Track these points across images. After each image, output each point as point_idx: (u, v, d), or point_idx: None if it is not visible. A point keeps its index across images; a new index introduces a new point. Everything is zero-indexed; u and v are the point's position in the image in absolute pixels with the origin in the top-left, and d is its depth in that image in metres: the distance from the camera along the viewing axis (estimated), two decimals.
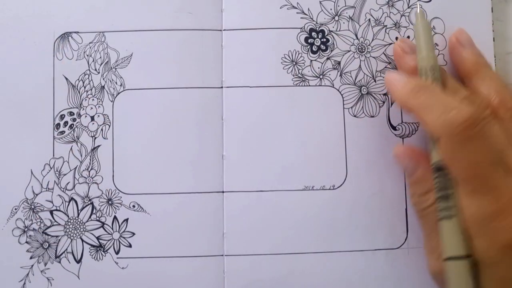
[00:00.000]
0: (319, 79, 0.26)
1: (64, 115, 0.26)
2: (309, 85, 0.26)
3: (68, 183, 0.26)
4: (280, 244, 0.25)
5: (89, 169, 0.26)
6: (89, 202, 0.26)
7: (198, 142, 0.26)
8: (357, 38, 0.26)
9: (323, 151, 0.26)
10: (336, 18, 0.27)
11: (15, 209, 0.26)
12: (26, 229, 0.26)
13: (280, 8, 0.27)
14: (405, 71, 0.24)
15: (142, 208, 0.26)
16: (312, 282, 0.25)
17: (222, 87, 0.26)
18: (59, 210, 0.26)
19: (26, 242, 0.26)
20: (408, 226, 0.25)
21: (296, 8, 0.27)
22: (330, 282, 0.25)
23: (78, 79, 0.26)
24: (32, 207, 0.26)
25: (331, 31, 0.27)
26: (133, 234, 0.26)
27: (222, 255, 0.25)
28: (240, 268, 0.25)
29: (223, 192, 0.26)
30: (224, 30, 0.26)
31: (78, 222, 0.26)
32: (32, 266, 0.25)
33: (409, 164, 0.23)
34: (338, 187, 0.25)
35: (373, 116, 0.26)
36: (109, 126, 0.26)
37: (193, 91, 0.26)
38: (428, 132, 0.22)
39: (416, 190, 0.23)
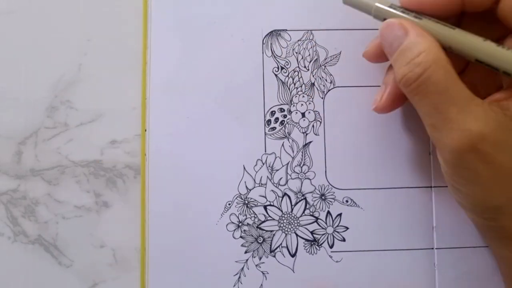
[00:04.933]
0: None
1: (275, 111, 0.27)
2: None
3: (280, 178, 0.27)
4: None
5: (301, 165, 0.27)
6: (302, 197, 0.27)
7: (406, 139, 0.27)
8: None
9: None
10: None
11: (229, 204, 0.27)
12: (240, 224, 0.27)
13: None
14: None
15: (355, 203, 0.27)
16: None
17: None
18: (273, 205, 0.27)
19: (241, 236, 0.27)
20: None
21: None
22: None
23: (288, 76, 0.27)
24: (246, 202, 0.27)
25: None
26: (347, 228, 0.27)
27: (433, 248, 0.27)
28: (450, 261, 0.27)
29: (431, 187, 0.27)
30: None
31: (292, 217, 0.27)
32: (247, 260, 0.26)
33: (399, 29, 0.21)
34: None
35: None
36: (320, 122, 0.27)
37: None
38: None
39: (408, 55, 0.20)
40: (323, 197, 0.27)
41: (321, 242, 0.27)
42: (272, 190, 0.27)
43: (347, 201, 0.27)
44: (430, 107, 0.20)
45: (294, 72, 0.28)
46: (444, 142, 0.20)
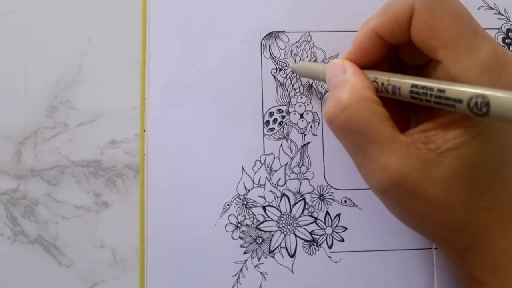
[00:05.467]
0: None
1: (273, 112, 0.27)
2: None
3: (279, 179, 0.27)
4: None
5: (299, 165, 0.27)
6: (301, 198, 0.27)
7: None
8: None
9: None
10: None
11: (228, 204, 0.27)
12: (239, 225, 0.27)
13: (478, 9, 0.28)
14: None
15: (353, 203, 0.27)
16: None
17: None
18: (272, 206, 0.27)
19: (240, 237, 0.27)
20: None
21: (493, 9, 0.28)
22: None
23: (286, 77, 0.27)
24: (245, 202, 0.27)
25: None
26: (346, 228, 0.27)
27: (431, 248, 0.27)
28: (449, 261, 0.27)
29: None
30: None
31: (291, 218, 0.27)
32: (245, 261, 0.27)
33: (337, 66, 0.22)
34: None
35: None
36: (319, 123, 0.27)
37: None
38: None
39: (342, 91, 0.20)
40: (321, 198, 0.27)
41: (320, 243, 0.27)
42: (271, 191, 0.27)
43: (345, 201, 0.27)
44: (353, 146, 0.21)
45: (293, 73, 0.28)
46: (369, 180, 0.21)
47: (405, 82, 0.19)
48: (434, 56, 0.19)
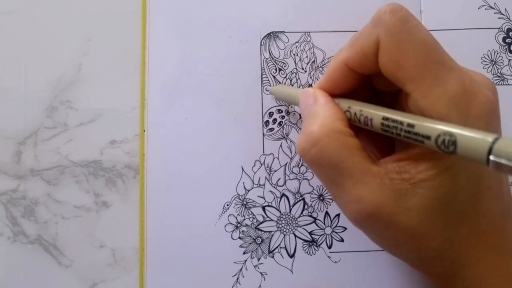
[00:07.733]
0: None
1: (273, 112, 0.27)
2: (508, 84, 0.28)
3: (279, 179, 0.27)
4: None
5: (299, 166, 0.27)
6: (300, 198, 0.27)
7: None
8: None
9: None
10: None
11: (227, 205, 0.27)
12: (238, 225, 0.27)
13: (478, 8, 0.28)
14: None
15: None
16: None
17: None
18: (271, 206, 0.27)
19: (239, 237, 0.27)
20: None
21: (494, 8, 0.28)
22: None
23: (286, 77, 0.27)
24: (244, 203, 0.27)
25: None
26: (345, 228, 0.27)
27: None
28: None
29: None
30: None
31: (291, 218, 0.27)
32: (245, 261, 0.27)
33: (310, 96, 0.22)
34: None
35: None
36: None
37: None
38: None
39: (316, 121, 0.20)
40: (321, 198, 0.27)
41: (319, 243, 0.27)
42: (271, 191, 0.27)
43: None
44: (327, 179, 0.20)
45: (292, 73, 0.28)
46: (345, 211, 0.21)
47: (377, 114, 0.19)
48: (403, 88, 0.19)
